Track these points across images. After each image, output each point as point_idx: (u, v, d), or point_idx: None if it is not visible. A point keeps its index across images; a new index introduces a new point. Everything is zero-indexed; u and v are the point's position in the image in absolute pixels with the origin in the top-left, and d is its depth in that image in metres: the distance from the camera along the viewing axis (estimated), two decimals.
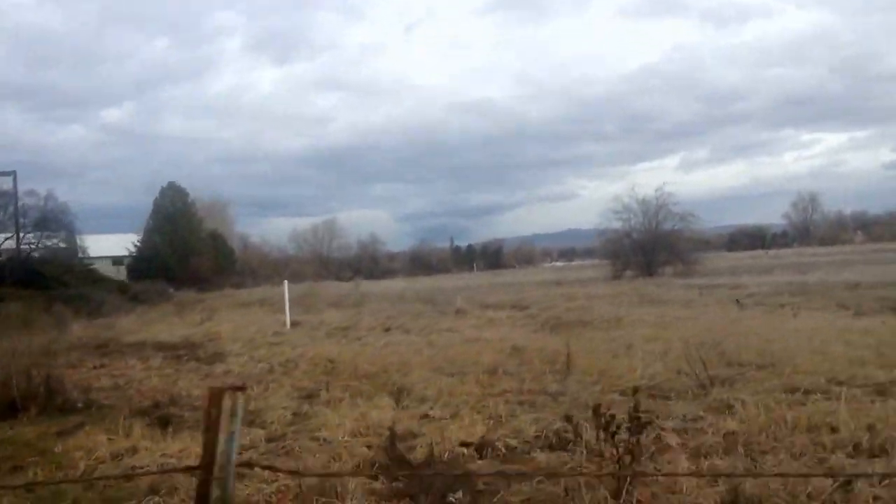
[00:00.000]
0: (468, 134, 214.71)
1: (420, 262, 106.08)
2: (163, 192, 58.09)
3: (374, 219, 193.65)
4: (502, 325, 18.26)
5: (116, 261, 60.95)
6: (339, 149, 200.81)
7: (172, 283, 50.86)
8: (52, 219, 42.58)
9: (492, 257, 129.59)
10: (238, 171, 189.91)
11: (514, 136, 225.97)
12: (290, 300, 21.51)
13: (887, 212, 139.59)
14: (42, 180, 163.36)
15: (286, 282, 23.48)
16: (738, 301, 20.20)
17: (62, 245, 44.16)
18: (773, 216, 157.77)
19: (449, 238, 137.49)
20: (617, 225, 48.65)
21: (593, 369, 10.48)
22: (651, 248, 46.81)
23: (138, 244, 56.82)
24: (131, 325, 24.28)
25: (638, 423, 5.31)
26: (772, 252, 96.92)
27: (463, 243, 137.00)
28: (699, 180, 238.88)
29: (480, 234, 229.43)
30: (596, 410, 5.35)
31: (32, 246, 42.33)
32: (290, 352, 14.61)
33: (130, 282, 47.51)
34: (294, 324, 20.80)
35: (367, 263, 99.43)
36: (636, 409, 5.35)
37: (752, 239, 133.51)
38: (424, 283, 58.30)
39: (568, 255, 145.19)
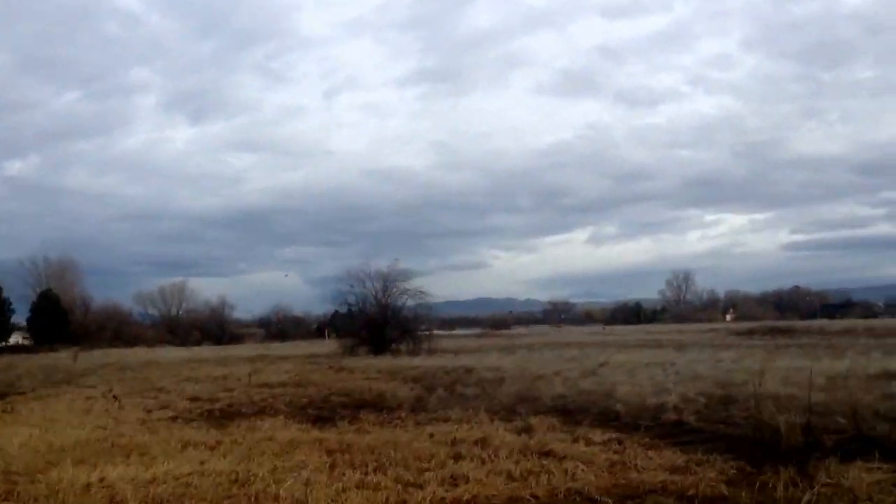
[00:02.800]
0: (384, 200, 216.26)
1: (274, 329, 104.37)
2: None
3: (282, 281, 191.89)
4: None
5: None
6: (251, 210, 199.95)
7: None
8: None
9: None
10: (145, 228, 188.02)
11: (429, 204, 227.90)
12: None
13: (761, 292, 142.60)
14: None
15: None
16: (114, 396, 19.13)
17: None
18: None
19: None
20: (351, 299, 48.04)
21: None
22: (381, 324, 46.05)
23: None
24: None
25: None
26: (620, 328, 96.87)
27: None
28: (607, 255, 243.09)
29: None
30: None
31: None
32: None
33: None
34: None
35: (214, 328, 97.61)
36: None
37: (628, 314, 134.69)
38: (196, 352, 57.21)
39: (450, 324, 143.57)
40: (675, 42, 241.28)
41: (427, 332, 46.92)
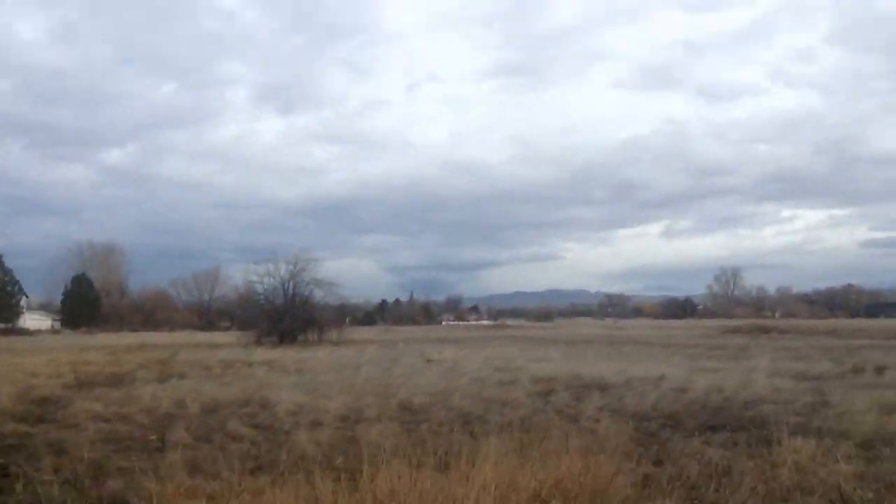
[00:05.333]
0: (461, 192, 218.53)
1: None
2: None
3: (361, 269, 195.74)
4: None
5: None
6: (334, 200, 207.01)
7: None
8: None
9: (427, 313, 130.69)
10: (233, 216, 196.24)
11: (505, 196, 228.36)
12: None
13: (814, 290, 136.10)
14: (38, 217, 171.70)
15: None
16: None
17: None
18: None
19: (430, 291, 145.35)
20: (259, 289, 49.22)
21: None
22: (287, 315, 46.95)
23: None
24: None
25: None
26: (632, 322, 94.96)
27: (442, 297, 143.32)
28: (681, 249, 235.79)
29: (467, 288, 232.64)
30: None
31: None
32: None
33: None
34: None
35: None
36: None
37: (676, 309, 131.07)
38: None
39: (506, 315, 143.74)
40: (758, 36, 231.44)
41: (332, 323, 47.77)
